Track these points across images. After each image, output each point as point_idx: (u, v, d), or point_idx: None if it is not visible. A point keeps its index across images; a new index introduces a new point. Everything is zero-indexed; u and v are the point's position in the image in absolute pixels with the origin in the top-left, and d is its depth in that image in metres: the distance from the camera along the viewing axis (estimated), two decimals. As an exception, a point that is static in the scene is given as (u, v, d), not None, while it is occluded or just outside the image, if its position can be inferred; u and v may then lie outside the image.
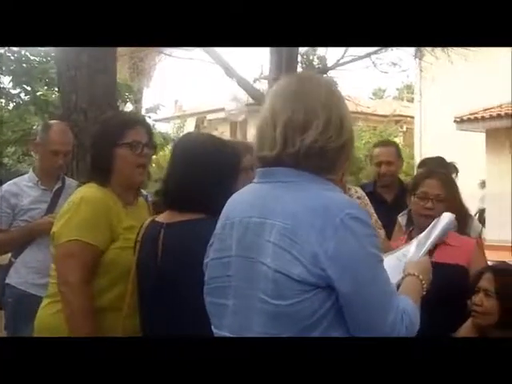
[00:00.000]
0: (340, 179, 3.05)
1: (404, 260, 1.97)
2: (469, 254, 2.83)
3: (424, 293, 1.77)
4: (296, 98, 1.51)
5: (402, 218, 3.54)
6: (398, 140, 23.29)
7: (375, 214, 3.19)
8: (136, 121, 2.48)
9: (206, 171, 2.09)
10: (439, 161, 3.95)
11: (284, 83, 1.58)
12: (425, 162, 4.12)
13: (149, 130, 2.49)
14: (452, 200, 2.89)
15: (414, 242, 2.18)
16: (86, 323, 2.17)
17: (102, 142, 2.38)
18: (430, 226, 2.25)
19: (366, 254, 1.43)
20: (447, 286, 2.62)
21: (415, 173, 3.91)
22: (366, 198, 3.20)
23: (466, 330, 2.58)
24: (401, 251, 2.14)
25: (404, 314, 1.47)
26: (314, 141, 1.46)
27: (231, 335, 1.53)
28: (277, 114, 1.51)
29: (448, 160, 3.84)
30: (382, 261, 1.48)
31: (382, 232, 3.14)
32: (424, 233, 2.22)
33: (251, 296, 1.47)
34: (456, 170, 3.60)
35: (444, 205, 2.82)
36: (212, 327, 1.61)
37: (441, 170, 3.35)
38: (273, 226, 1.45)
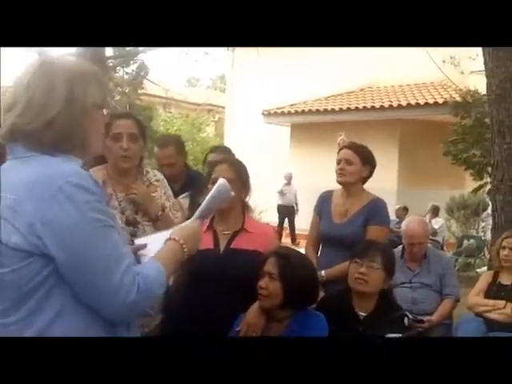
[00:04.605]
0: (138, 164, 3.00)
1: None
2: (267, 241, 2.91)
3: (186, 257, 1.80)
4: (14, 82, 1.61)
5: (184, 200, 3.63)
6: (210, 129, 23.72)
7: (173, 198, 3.22)
8: None
9: None
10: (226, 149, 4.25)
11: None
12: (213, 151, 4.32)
13: None
14: (239, 179, 2.92)
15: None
16: None
17: None
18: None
19: (85, 220, 1.49)
20: (244, 271, 2.72)
21: None
22: (165, 180, 3.17)
23: (253, 312, 2.69)
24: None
25: (138, 275, 1.54)
26: (13, 123, 1.56)
27: None
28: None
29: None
30: (107, 226, 1.53)
31: (179, 214, 3.17)
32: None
33: None
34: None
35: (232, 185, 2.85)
36: None
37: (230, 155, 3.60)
38: (5, 200, 1.51)
